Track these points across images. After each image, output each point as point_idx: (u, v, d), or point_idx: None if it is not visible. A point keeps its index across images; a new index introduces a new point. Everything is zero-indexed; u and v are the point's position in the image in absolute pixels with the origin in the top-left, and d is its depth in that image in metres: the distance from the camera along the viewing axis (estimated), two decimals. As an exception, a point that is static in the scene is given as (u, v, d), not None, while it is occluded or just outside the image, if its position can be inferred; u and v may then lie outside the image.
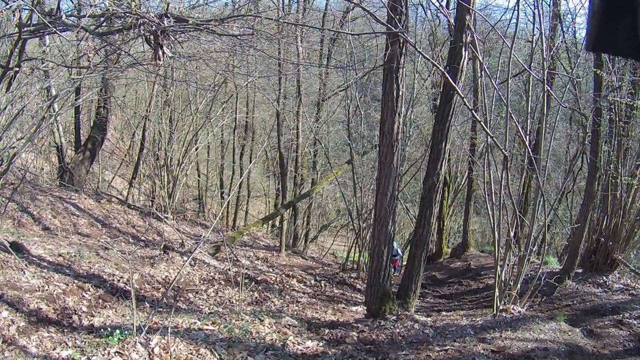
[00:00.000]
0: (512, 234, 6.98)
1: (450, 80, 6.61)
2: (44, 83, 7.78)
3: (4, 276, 5.81)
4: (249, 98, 20.90)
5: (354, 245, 13.71)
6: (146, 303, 6.72)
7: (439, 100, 8.27)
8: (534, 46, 8.22)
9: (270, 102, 17.33)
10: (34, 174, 13.32)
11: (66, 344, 4.65)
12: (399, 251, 14.13)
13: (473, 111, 7.32)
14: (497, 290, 6.65)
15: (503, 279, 6.76)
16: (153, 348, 4.55)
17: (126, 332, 4.76)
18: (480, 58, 6.88)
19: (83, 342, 4.69)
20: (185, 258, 8.78)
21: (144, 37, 4.71)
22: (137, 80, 14.68)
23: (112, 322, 5.59)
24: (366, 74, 12.83)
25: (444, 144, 7.49)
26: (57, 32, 4.34)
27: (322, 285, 10.79)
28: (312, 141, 18.07)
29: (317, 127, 17.21)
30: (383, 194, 7.01)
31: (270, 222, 20.65)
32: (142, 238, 11.42)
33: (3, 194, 8.84)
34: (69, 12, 5.42)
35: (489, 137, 6.86)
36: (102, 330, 5.02)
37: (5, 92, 6.05)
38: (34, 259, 6.90)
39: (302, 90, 15.13)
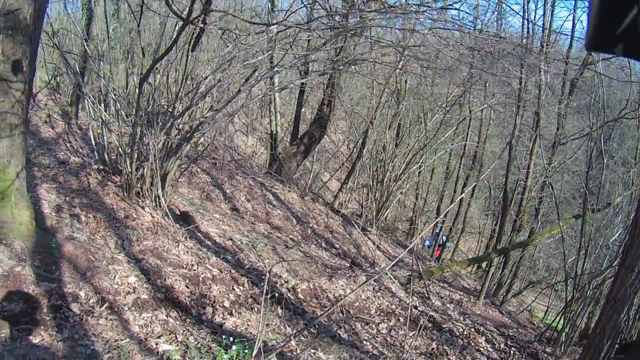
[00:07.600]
0: None
1: None
2: (269, 72, 7.60)
3: (154, 242, 5.49)
4: (482, 127, 20.07)
5: (560, 315, 11.95)
6: (302, 319, 5.85)
7: None
8: None
9: (503, 137, 16.61)
10: (242, 155, 13.65)
11: (175, 337, 4.12)
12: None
13: None
14: None
15: None
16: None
17: (246, 351, 4.03)
18: None
19: (195, 342, 4.15)
20: (371, 281, 7.93)
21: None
22: (366, 87, 14.67)
23: (245, 329, 4.90)
24: (615, 120, 11.12)
25: None
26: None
27: (511, 353, 9.52)
28: (540, 186, 16.64)
29: (550, 170, 15.57)
30: (628, 269, 5.61)
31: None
32: (336, 246, 10.87)
33: (190, 162, 8.57)
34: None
35: None
36: (223, 336, 4.33)
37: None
38: (199, 235, 6.54)
39: (539, 126, 13.87)
